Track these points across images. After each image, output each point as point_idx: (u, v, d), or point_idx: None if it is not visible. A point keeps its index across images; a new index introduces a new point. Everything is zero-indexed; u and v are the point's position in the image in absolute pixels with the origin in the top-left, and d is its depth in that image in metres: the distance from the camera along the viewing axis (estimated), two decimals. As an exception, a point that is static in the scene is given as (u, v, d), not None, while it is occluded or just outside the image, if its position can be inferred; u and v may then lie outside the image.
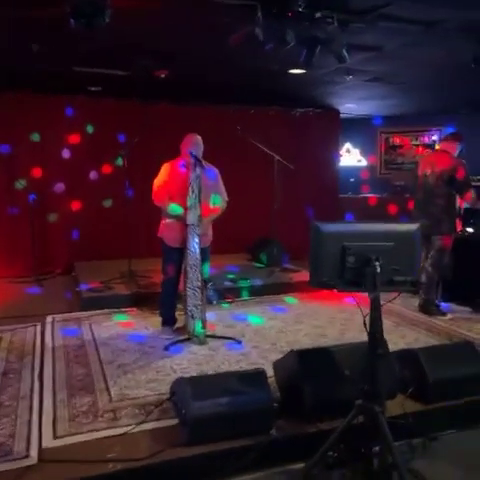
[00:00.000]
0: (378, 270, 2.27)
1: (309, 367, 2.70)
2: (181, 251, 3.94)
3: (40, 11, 2.91)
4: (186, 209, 3.84)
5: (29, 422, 2.65)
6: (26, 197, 6.08)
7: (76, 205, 6.73)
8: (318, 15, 3.29)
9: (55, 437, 2.51)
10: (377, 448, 2.33)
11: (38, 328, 4.27)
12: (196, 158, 3.86)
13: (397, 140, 9.17)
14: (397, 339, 4.13)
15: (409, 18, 3.54)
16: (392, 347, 3.87)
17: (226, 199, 4.19)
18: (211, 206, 4.06)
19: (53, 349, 3.78)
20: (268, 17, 3.25)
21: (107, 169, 6.65)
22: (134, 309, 4.91)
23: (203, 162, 3.94)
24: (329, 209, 8.02)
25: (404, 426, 2.76)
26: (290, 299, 5.31)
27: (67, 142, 6.58)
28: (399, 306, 5.13)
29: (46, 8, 2.89)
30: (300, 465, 2.47)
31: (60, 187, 6.63)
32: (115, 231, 6.33)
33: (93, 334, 4.15)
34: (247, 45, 3.53)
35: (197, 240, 3.87)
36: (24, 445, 2.41)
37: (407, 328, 4.43)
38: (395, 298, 2.47)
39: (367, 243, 2.36)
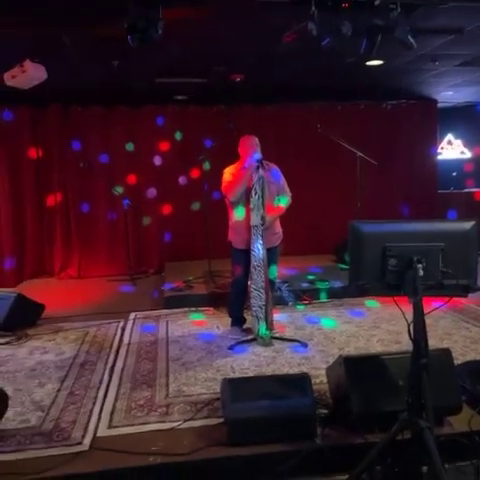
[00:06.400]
0: (421, 273, 2.10)
1: (357, 375, 2.55)
2: (247, 252, 3.96)
3: (103, 30, 3.15)
4: (249, 210, 3.87)
5: (91, 411, 2.87)
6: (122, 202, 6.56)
7: (167, 209, 7.15)
8: (377, 2, 3.11)
9: (109, 427, 2.70)
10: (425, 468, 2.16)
11: (120, 324, 4.60)
12: (259, 160, 3.86)
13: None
14: (485, 349, 3.75)
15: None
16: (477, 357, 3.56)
17: (290, 194, 4.14)
18: (274, 206, 4.03)
19: (129, 344, 4.05)
20: (323, 11, 3.15)
21: (195, 173, 6.96)
22: (211, 308, 5.05)
23: (265, 162, 3.93)
24: (427, 206, 7.52)
25: (469, 445, 2.52)
26: (371, 302, 5.05)
27: (158, 149, 7.00)
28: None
29: (107, 27, 3.12)
30: (344, 477, 2.36)
31: (152, 192, 7.07)
32: (202, 232, 6.53)
33: (167, 332, 4.36)
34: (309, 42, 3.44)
35: (261, 241, 3.86)
36: (81, 432, 2.62)
37: (502, 337, 3.99)
38: (445, 303, 2.25)
39: (411, 244, 2.19)
